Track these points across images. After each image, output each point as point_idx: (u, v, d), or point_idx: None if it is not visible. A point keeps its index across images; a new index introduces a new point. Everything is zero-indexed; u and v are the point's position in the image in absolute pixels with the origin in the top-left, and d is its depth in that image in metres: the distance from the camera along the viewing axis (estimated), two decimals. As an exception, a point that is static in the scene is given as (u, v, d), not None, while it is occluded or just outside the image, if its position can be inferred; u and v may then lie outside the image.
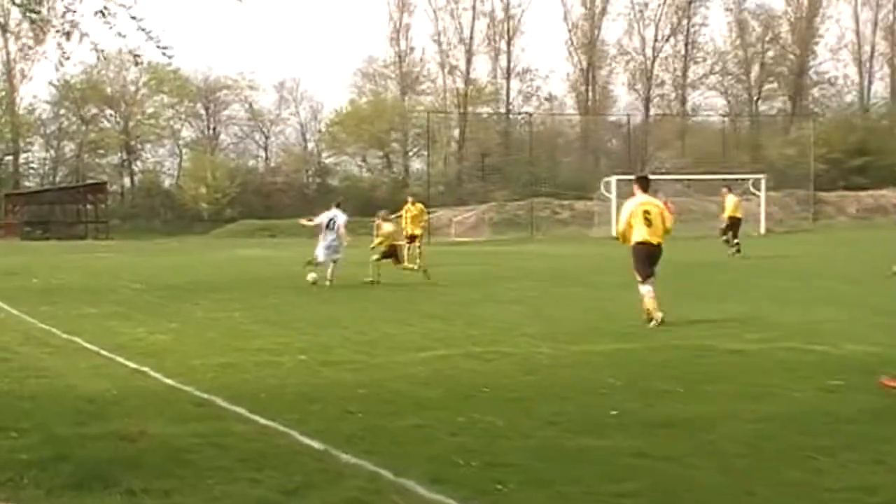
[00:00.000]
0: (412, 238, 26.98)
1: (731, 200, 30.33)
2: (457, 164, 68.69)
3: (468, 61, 72.56)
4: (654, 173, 60.81)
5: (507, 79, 72.88)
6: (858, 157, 63.40)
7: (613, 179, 47.92)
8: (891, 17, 74.66)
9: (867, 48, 75.43)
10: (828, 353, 10.62)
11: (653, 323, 13.14)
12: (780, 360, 10.35)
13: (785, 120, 72.11)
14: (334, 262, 21.17)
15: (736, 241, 29.38)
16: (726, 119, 70.25)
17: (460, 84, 72.30)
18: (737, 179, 51.72)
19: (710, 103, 76.26)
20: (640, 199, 13.83)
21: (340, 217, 21.67)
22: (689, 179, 56.97)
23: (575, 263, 25.08)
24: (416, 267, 22.95)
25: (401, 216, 28.05)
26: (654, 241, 13.63)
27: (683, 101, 74.43)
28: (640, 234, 13.62)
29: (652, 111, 74.07)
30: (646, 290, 13.46)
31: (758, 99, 74.92)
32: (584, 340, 12.05)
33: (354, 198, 61.22)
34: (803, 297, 16.52)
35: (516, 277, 22.71)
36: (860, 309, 14.54)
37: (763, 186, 49.67)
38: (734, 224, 30.00)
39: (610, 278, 21.82)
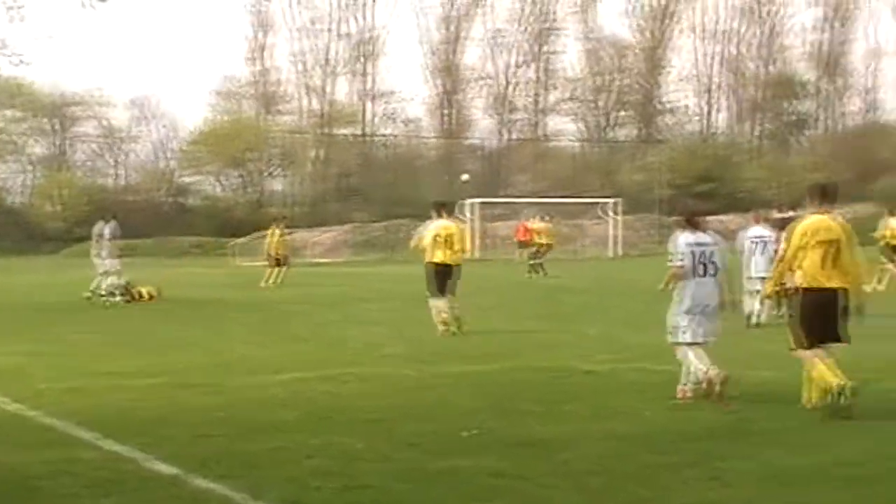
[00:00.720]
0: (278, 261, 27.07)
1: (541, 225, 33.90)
2: (316, 184, 68.23)
3: (328, 82, 72.31)
4: (511, 196, 62.42)
5: (368, 100, 72.88)
6: (703, 184, 65.84)
7: (468, 202, 48.36)
8: (733, 50, 78.04)
9: (709, 80, 78.71)
10: (674, 372, 10.91)
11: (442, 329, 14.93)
12: (630, 380, 10.61)
13: (635, 146, 74.41)
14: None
15: (538, 262, 31.26)
16: (580, 144, 72.06)
17: (320, 105, 71.96)
18: (591, 203, 53.32)
19: (565, 129, 78.09)
20: (439, 223, 15.71)
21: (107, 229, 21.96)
22: (544, 203, 58.19)
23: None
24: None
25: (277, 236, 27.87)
26: (449, 261, 15.44)
27: (538, 126, 75.92)
28: (437, 255, 15.40)
29: (507, 135, 75.31)
30: (438, 303, 15.27)
31: (609, 125, 77.06)
32: (447, 362, 12.08)
33: (212, 217, 59.96)
34: (653, 320, 16.96)
35: (376, 298, 22.67)
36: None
37: (619, 210, 51.00)
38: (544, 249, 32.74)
39: (471, 300, 22.01)
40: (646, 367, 11.40)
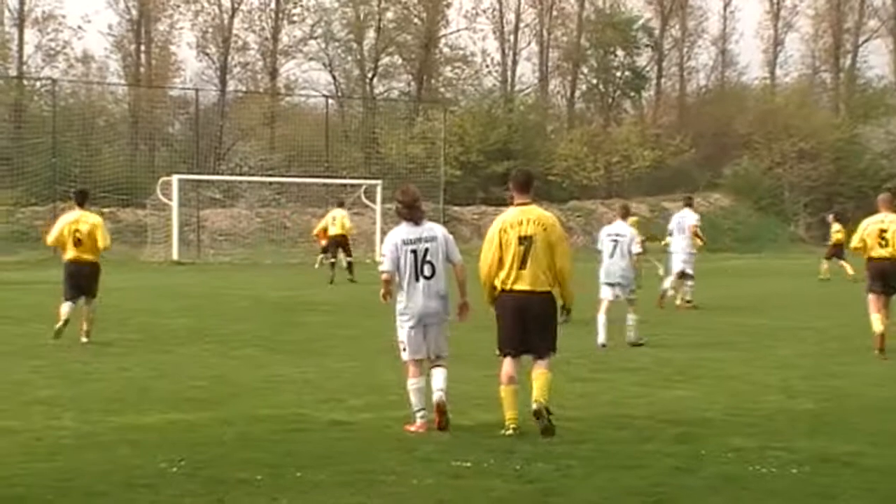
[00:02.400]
0: None
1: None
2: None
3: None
4: (233, 173, 61.92)
5: (20, 27, 70.60)
6: (501, 163, 67.51)
7: (175, 179, 47.75)
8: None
9: (515, 17, 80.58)
10: (454, 424, 11.19)
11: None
12: (395, 435, 10.78)
13: (409, 107, 75.27)
14: None
15: (332, 260, 34.79)
16: (332, 102, 72.18)
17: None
18: (346, 186, 53.60)
19: (310, 79, 77.96)
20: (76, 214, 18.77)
21: None
22: (281, 182, 58.11)
23: (120, 298, 24.85)
24: None
25: None
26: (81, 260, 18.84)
27: (274, 74, 75.65)
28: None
29: (231, 86, 74.70)
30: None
31: (373, 76, 77.64)
32: (127, 408, 12.04)
33: None
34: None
35: (27, 318, 22.25)
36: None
37: (379, 196, 50.68)
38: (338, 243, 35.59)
39: (172, 321, 21.93)
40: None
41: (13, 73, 69.42)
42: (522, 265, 10.89)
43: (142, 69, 73.34)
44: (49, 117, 58.03)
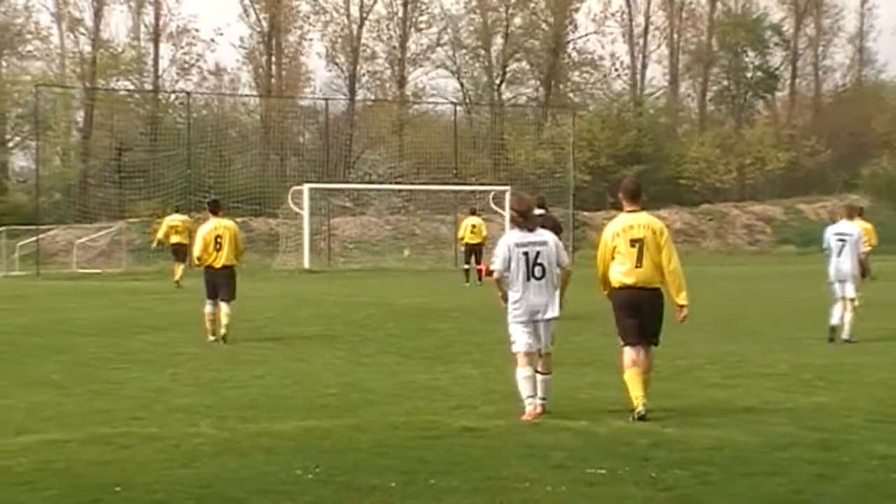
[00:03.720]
0: None
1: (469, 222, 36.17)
2: (81, 161, 66.91)
3: (97, 14, 70.95)
4: (362, 181, 62.36)
5: (155, 42, 71.83)
6: (631, 167, 67.08)
7: (306, 188, 48.19)
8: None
9: (644, 19, 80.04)
10: (588, 431, 11.13)
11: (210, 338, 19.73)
12: (528, 442, 10.75)
13: (537, 113, 75.13)
14: None
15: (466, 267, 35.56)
16: (460, 108, 72.15)
17: (86, 46, 70.64)
18: (474, 192, 53.61)
19: (438, 86, 78.10)
20: (213, 223, 20.45)
21: None
22: (410, 190, 58.35)
23: (254, 307, 25.14)
24: None
25: None
26: (219, 265, 20.20)
27: (402, 83, 75.97)
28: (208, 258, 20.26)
29: (360, 95, 75.18)
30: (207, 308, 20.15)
31: (501, 82, 77.64)
32: (263, 416, 12.17)
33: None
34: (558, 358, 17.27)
35: (166, 327, 22.63)
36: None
37: (507, 203, 50.49)
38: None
39: (304, 328, 22.17)
40: (547, 422, 11.58)
41: (149, 86, 70.72)
42: (638, 264, 11.97)
43: (272, 80, 74.23)
44: (183, 129, 58.98)
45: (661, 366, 14.67)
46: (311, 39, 75.22)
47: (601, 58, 78.27)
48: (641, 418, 11.52)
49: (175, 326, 22.47)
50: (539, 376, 12.08)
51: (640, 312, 12.00)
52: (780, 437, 10.87)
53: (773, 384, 14.56)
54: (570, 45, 78.36)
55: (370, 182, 62.44)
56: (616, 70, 79.11)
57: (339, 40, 75.14)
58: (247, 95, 74.05)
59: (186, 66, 72.19)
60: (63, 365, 16.72)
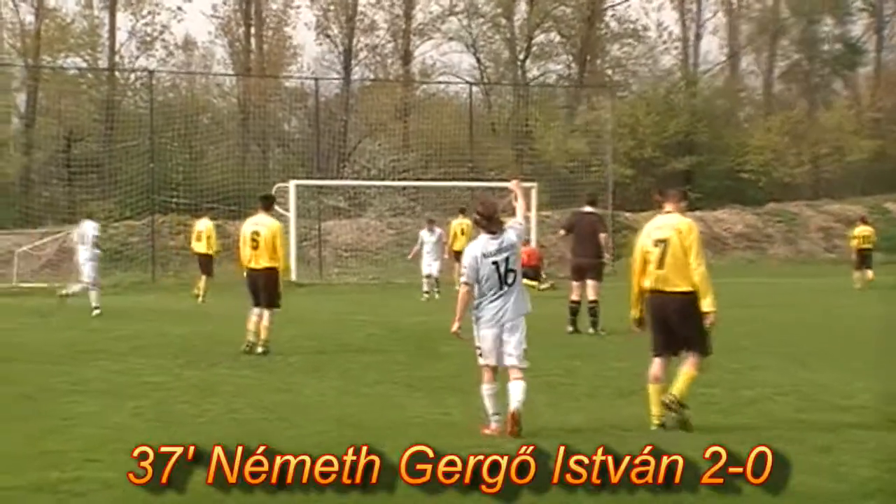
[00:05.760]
0: None
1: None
2: (23, 154, 67.06)
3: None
4: (360, 177, 62.34)
5: (111, 10, 71.92)
6: (682, 158, 67.05)
7: (292, 185, 48.22)
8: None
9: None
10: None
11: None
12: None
13: (570, 94, 75.12)
14: None
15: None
16: (477, 89, 72.19)
17: (28, 16, 70.86)
18: (494, 189, 53.53)
19: (450, 63, 78.08)
20: (253, 219, 22.51)
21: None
22: (416, 187, 58.31)
23: (231, 327, 25.20)
24: None
25: None
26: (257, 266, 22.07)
27: (407, 59, 76.05)
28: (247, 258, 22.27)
29: (357, 73, 75.25)
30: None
31: (526, 58, 77.60)
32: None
33: None
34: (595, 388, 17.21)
35: (126, 352, 22.68)
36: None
37: (534, 202, 50.41)
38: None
39: (290, 353, 22.20)
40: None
41: (103, 64, 70.66)
42: (660, 266, 13.52)
43: (252, 56, 74.25)
44: (145, 115, 58.94)
45: (721, 396, 14.69)
46: (297, 7, 75.40)
47: (646, 28, 78.32)
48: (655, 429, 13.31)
49: (137, 351, 22.51)
50: (510, 384, 13.51)
51: (667, 319, 13.51)
52: (863, 483, 10.86)
53: (855, 419, 14.56)
54: (609, 13, 78.41)
55: (369, 178, 62.35)
56: (664, 42, 79.17)
57: (332, 8, 75.21)
58: (222, 74, 74.19)
59: (148, 39, 72.32)
60: (4, 398, 16.74)
